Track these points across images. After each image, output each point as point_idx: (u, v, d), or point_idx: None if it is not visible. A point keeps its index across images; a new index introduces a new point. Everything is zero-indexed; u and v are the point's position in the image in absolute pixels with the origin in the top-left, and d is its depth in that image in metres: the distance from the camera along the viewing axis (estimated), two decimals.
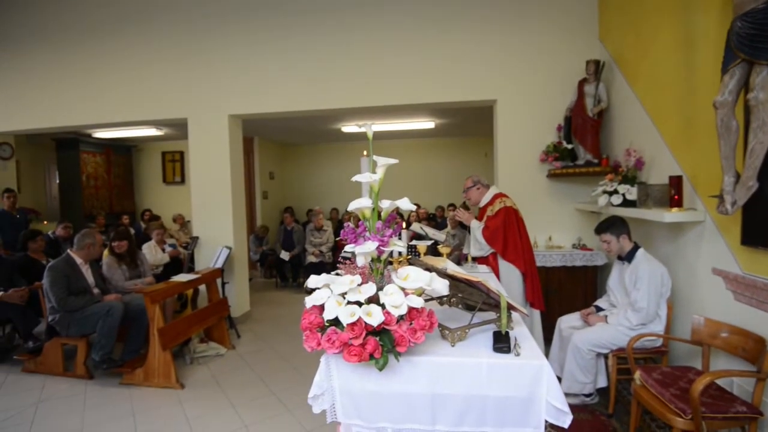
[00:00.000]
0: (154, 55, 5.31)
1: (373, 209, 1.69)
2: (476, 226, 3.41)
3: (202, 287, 4.57)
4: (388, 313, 1.51)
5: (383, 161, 1.73)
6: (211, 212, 5.25)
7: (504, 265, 3.27)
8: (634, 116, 3.67)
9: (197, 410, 3.21)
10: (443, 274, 1.76)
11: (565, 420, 1.58)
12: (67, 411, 3.26)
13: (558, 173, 4.23)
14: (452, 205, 7.72)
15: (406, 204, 1.66)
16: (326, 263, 7.05)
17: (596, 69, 4.09)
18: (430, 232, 3.46)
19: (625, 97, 3.84)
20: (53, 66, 5.68)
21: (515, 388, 1.56)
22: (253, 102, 5.11)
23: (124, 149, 9.20)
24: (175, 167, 9.55)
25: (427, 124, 7.18)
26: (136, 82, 5.38)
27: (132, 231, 6.06)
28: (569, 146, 4.22)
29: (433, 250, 3.31)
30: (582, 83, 4.15)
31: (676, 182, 2.85)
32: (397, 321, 1.53)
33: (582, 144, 4.13)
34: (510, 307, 1.76)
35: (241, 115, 5.26)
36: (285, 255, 7.31)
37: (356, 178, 1.69)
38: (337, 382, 1.67)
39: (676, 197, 2.83)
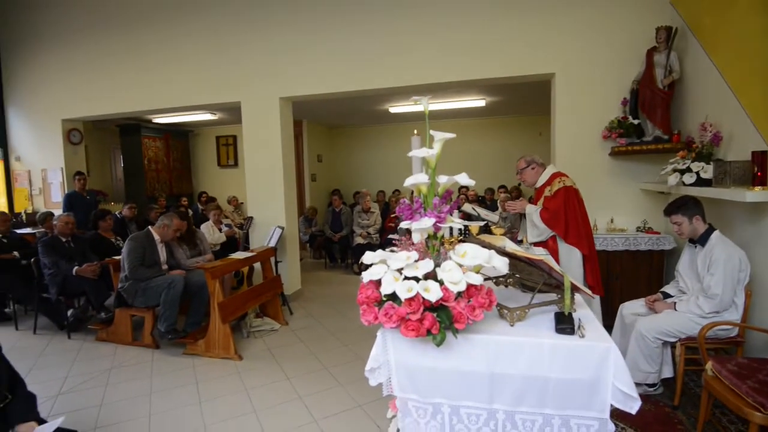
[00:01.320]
0: (209, 42, 5.49)
1: (430, 185, 1.65)
2: (532, 210, 3.25)
3: (257, 265, 4.75)
4: (447, 289, 1.48)
5: (440, 135, 1.68)
6: (265, 193, 5.41)
7: (564, 247, 3.12)
8: (710, 87, 3.35)
9: (255, 381, 3.36)
10: (502, 252, 1.69)
11: (633, 405, 1.50)
12: (136, 377, 3.52)
13: (622, 151, 3.96)
14: (503, 187, 7.50)
15: (464, 179, 1.60)
16: (374, 245, 7.09)
17: (667, 36, 3.75)
18: (483, 212, 3.36)
19: (700, 67, 3.51)
20: (116, 56, 6.03)
21: (579, 370, 1.49)
22: (303, 84, 5.16)
23: (182, 134, 9.65)
24: (228, 151, 9.91)
25: (477, 102, 6.95)
26: (193, 68, 5.59)
27: (190, 212, 6.39)
28: (635, 122, 3.93)
29: (484, 233, 3.22)
30: (651, 52, 3.83)
31: (760, 158, 2.58)
32: (456, 298, 1.50)
33: (650, 119, 3.83)
34: (573, 288, 1.68)
35: (291, 97, 5.34)
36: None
37: (413, 153, 1.65)
38: (393, 356, 1.66)
39: (759, 174, 2.57)
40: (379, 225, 7.38)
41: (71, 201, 6.27)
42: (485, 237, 1.79)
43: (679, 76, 3.73)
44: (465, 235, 2.83)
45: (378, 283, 1.62)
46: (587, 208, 3.25)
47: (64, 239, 4.60)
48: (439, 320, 1.48)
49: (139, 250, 3.97)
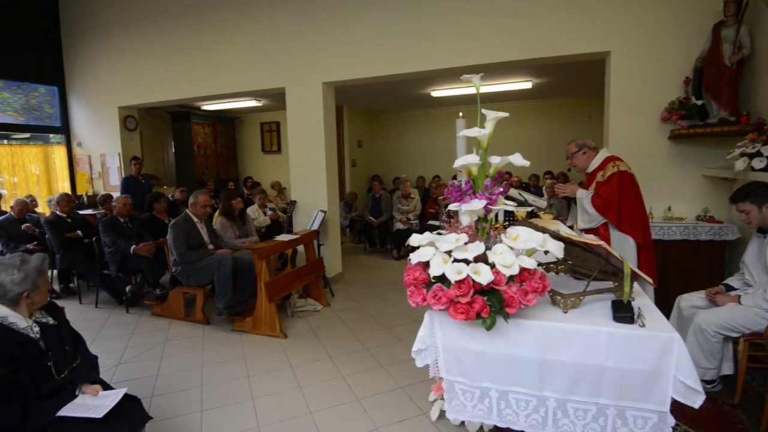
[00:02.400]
0: (254, 29, 5.58)
1: (481, 166, 1.61)
2: (584, 195, 3.11)
3: (300, 247, 4.85)
4: (498, 272, 1.45)
5: (492, 114, 1.63)
6: (307, 177, 5.50)
7: (617, 235, 2.97)
8: None
9: (299, 358, 3.47)
10: (557, 236, 1.63)
11: (696, 400, 1.42)
12: (189, 350, 3.71)
13: (683, 133, 3.70)
14: (549, 173, 7.25)
15: (519, 159, 1.55)
16: (413, 230, 7.07)
17: (737, 9, 3.43)
18: (530, 198, 3.25)
19: None
20: (168, 45, 6.26)
21: (639, 360, 1.43)
22: (345, 68, 5.16)
23: (228, 121, 9.94)
24: (272, 137, 10.12)
25: (523, 84, 6.70)
26: (239, 55, 5.72)
27: None
28: (699, 102, 3.66)
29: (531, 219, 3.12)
30: (718, 27, 3.53)
31: None
32: (507, 282, 1.47)
33: (715, 99, 3.55)
34: (633, 276, 1.60)
35: (333, 82, 5.35)
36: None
37: (463, 132, 1.61)
38: (440, 338, 1.66)
39: None
40: (419, 210, 7.35)
41: (128, 184, 6.65)
42: (539, 220, 1.73)
43: (750, 53, 3.43)
44: (510, 221, 2.77)
45: (426, 265, 1.61)
46: (643, 195, 3.07)
47: (122, 220, 4.88)
48: (489, 304, 1.45)
49: (182, 236, 4.13)
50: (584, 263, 1.85)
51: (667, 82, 3.86)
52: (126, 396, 2.06)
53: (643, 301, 1.69)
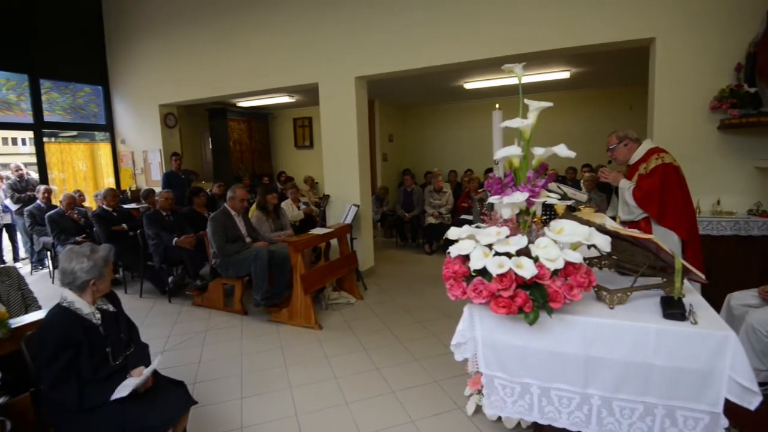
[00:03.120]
0: (289, 26, 5.66)
1: (524, 157, 1.58)
2: (626, 186, 3.01)
3: (334, 241, 4.92)
4: (542, 266, 1.42)
5: (535, 105, 1.59)
6: (340, 171, 5.55)
7: (659, 230, 2.86)
8: None
9: (334, 350, 3.53)
10: (603, 230, 1.58)
11: (752, 401, 1.36)
12: (228, 339, 3.84)
13: (734, 123, 3.50)
14: (587, 166, 7.04)
15: (563, 150, 1.51)
16: (445, 225, 7.03)
17: None
18: (569, 191, 3.17)
19: None
20: (205, 44, 6.45)
21: (690, 359, 1.38)
22: (378, 62, 5.16)
23: (262, 117, 10.15)
24: (304, 132, 10.26)
25: (561, 74, 6.50)
26: (274, 53, 5.82)
27: None
28: (752, 90, 3.45)
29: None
30: None
31: None
32: (551, 276, 1.44)
33: None
34: (685, 271, 1.53)
35: (366, 76, 5.36)
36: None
37: (506, 123, 1.58)
38: (480, 332, 1.64)
39: None
40: (451, 205, 7.28)
41: (169, 179, 6.91)
42: (583, 213, 1.69)
43: None
44: (549, 215, 2.70)
45: (465, 258, 1.60)
46: (690, 188, 2.93)
47: (164, 213, 5.08)
48: (532, 298, 1.43)
49: (221, 229, 4.26)
50: (631, 258, 1.79)
51: (716, 69, 3.65)
52: (173, 381, 2.16)
53: (694, 297, 1.62)
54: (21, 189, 6.73)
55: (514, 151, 1.56)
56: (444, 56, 4.77)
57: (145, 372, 1.95)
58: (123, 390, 1.88)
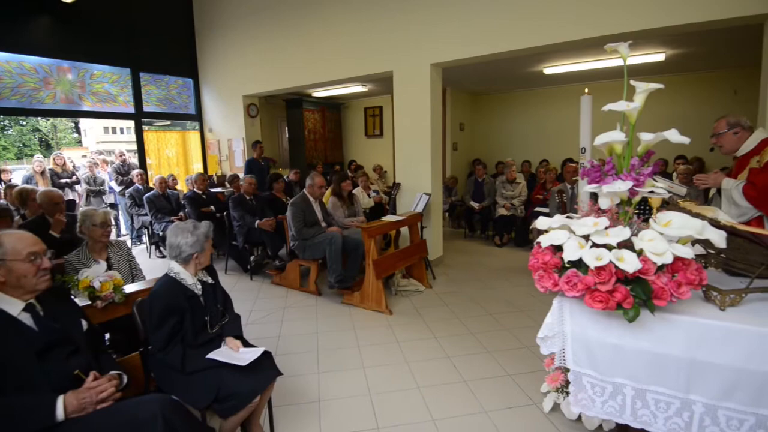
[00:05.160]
0: (361, 15, 5.72)
1: (628, 143, 1.48)
2: (732, 186, 2.70)
3: (404, 229, 4.95)
4: (647, 260, 1.33)
5: (643, 86, 1.49)
6: (412, 160, 5.55)
7: None
8: None
9: (405, 335, 3.58)
10: (715, 224, 1.45)
11: None
12: (304, 317, 4.04)
13: None
14: (681, 158, 6.44)
15: (675, 136, 1.40)
16: (518, 217, 6.80)
17: None
18: (666, 184, 2.92)
19: None
20: (285, 36, 6.71)
21: None
22: (453, 49, 5.05)
23: (335, 106, 10.40)
24: (375, 121, 10.37)
25: (655, 56, 5.93)
26: (349, 42, 5.92)
27: None
28: None
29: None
30: None
31: None
32: (656, 271, 1.34)
33: None
34: None
35: (441, 63, 5.28)
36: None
37: (611, 106, 1.49)
38: (569, 327, 1.59)
39: None
40: (525, 197, 7.02)
41: (251, 166, 7.37)
42: (690, 206, 1.55)
43: None
44: (643, 210, 2.51)
45: (556, 249, 1.54)
46: None
47: (248, 197, 5.42)
48: (633, 294, 1.35)
49: (300, 213, 4.46)
50: (744, 257, 1.62)
51: None
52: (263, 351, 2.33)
53: None
54: (124, 173, 7.53)
55: (617, 136, 1.47)
56: (524, 40, 4.54)
57: (248, 357, 2.09)
58: (218, 356, 2.06)
